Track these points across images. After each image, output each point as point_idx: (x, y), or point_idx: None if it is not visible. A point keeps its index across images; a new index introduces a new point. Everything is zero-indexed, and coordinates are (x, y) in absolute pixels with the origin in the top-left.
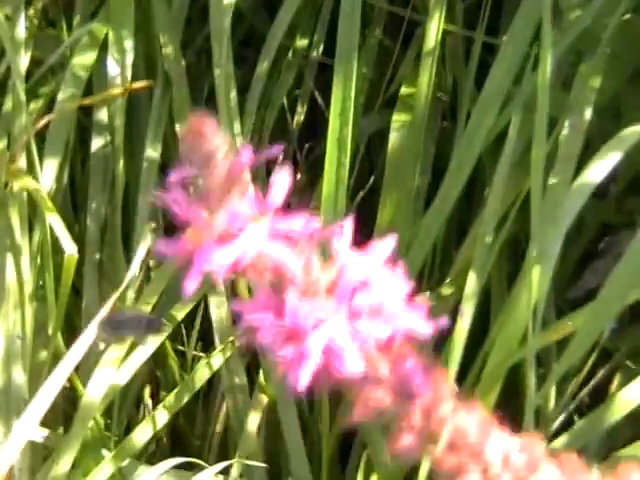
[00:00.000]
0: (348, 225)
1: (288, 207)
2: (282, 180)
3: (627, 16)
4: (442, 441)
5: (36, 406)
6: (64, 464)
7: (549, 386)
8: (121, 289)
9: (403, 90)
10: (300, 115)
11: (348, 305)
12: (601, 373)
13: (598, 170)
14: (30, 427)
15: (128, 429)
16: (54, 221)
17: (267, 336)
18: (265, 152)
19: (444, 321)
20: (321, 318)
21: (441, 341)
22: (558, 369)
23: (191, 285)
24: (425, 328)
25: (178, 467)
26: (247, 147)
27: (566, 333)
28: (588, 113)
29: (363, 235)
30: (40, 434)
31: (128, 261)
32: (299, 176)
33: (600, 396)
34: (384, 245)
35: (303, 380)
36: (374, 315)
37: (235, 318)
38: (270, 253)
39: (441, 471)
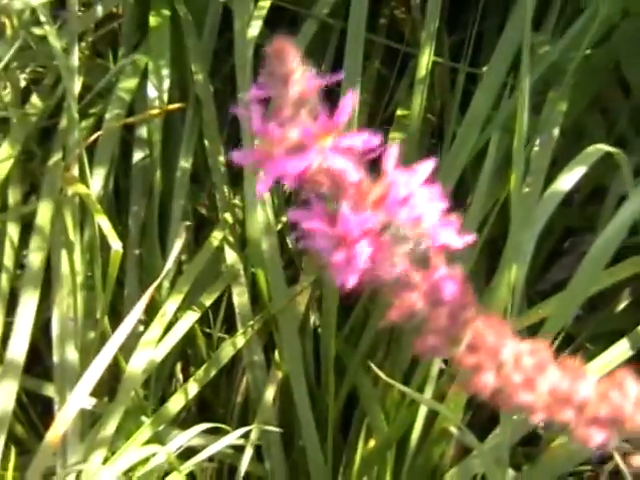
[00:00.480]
0: (396, 148)
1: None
2: (347, 102)
3: (588, 52)
4: (464, 343)
5: (88, 378)
6: (109, 429)
7: None
8: (158, 280)
9: (398, 112)
10: None
11: (393, 217)
12: (565, 354)
13: (565, 182)
14: (82, 396)
15: (163, 399)
16: (102, 221)
17: (320, 242)
18: (333, 76)
19: (473, 237)
20: (369, 228)
21: None
22: None
23: (263, 188)
24: (456, 241)
25: (205, 432)
26: (317, 73)
27: (537, 319)
28: (555, 133)
29: None
30: (89, 402)
31: (164, 256)
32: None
33: None
34: (425, 167)
35: (351, 281)
36: (414, 227)
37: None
38: (332, 166)
39: (461, 369)
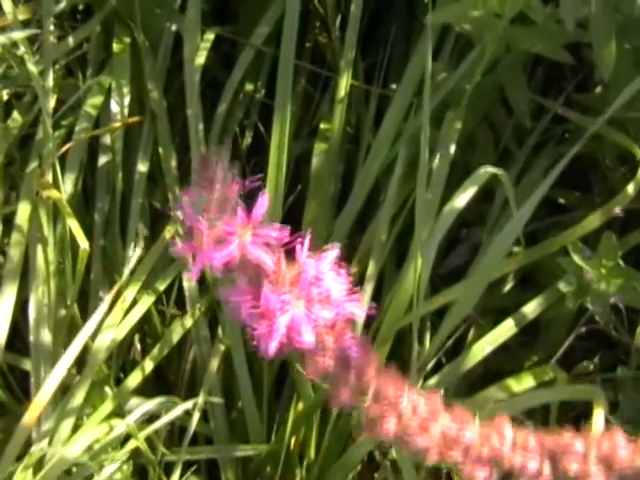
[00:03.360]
0: (307, 238)
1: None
2: (263, 202)
3: (478, 78)
4: (369, 395)
5: (65, 360)
6: (77, 399)
7: (435, 342)
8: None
9: (322, 126)
10: (247, 139)
11: (305, 294)
12: (462, 328)
13: (461, 199)
14: (59, 375)
15: (123, 366)
16: (72, 223)
17: (246, 315)
18: (249, 181)
19: (373, 309)
20: (286, 302)
21: None
22: (442, 330)
23: (195, 274)
24: (359, 312)
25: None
26: (237, 180)
27: (441, 304)
28: (452, 146)
29: (292, 228)
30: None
31: (124, 246)
32: (247, 182)
33: (459, 346)
34: (332, 252)
35: (271, 348)
36: (323, 302)
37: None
38: (251, 254)
39: (368, 417)
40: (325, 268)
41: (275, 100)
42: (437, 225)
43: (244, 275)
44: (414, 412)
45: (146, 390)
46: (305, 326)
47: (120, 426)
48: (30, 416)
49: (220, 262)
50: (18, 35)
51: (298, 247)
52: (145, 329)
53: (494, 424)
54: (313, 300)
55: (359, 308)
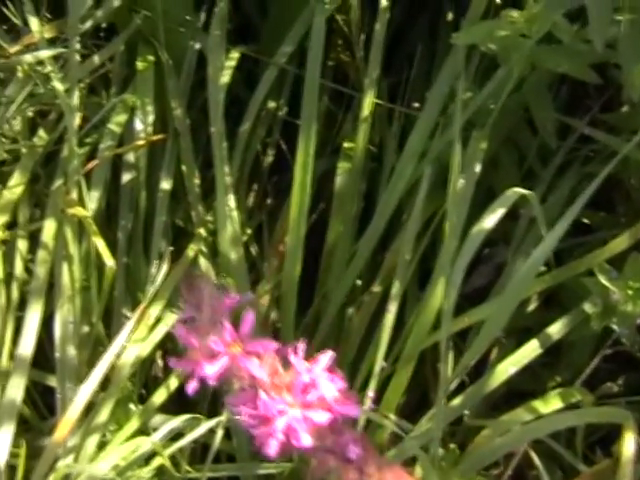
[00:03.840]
0: (301, 347)
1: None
2: (249, 318)
3: (504, 98)
4: None
5: (92, 379)
6: (102, 416)
7: (465, 362)
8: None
9: (345, 144)
10: (269, 157)
11: (301, 399)
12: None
13: (488, 221)
14: (87, 394)
15: (146, 383)
16: (97, 241)
17: (246, 420)
18: (238, 300)
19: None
20: (282, 408)
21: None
22: (471, 351)
23: (192, 388)
24: (355, 412)
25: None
26: (226, 298)
27: (466, 324)
28: (478, 166)
29: (315, 248)
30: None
31: (147, 263)
32: (269, 200)
33: (482, 366)
34: (325, 358)
35: (272, 450)
36: (320, 404)
37: None
38: (245, 366)
39: None
40: (319, 373)
41: (300, 119)
42: (465, 246)
43: (241, 383)
44: None
45: (169, 408)
46: (302, 429)
47: (145, 444)
48: (60, 433)
49: (214, 373)
50: (45, 54)
51: (292, 355)
52: (167, 346)
53: None
54: (309, 404)
55: (354, 408)
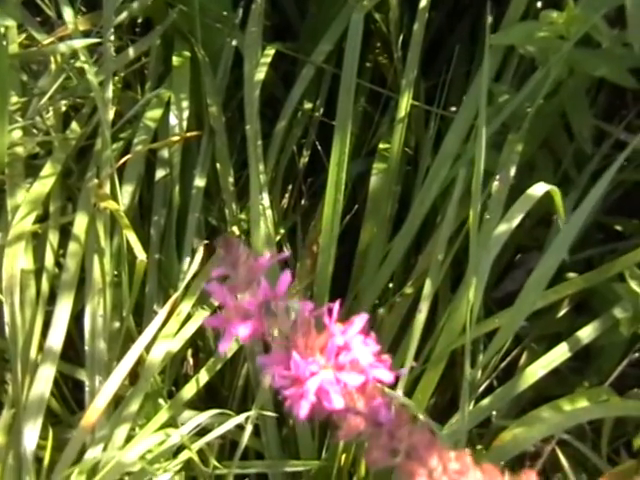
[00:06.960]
0: (335, 307)
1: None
2: (286, 278)
3: (541, 101)
4: (401, 454)
5: (119, 370)
6: (132, 409)
7: (482, 363)
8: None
9: (380, 146)
10: (305, 158)
11: (334, 360)
12: (514, 352)
13: (516, 214)
14: (114, 386)
15: (176, 380)
16: (129, 234)
17: (279, 381)
18: (275, 257)
19: (403, 371)
20: (315, 369)
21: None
22: (489, 353)
23: (224, 347)
24: (388, 377)
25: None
26: (263, 256)
27: (492, 328)
28: (513, 170)
29: (349, 246)
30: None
31: (180, 260)
32: (303, 202)
33: (512, 369)
34: (359, 320)
35: (303, 411)
36: (353, 367)
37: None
38: (280, 325)
39: (401, 474)
40: (353, 335)
41: (335, 119)
42: (489, 245)
43: (274, 343)
44: (445, 469)
45: (198, 404)
46: (334, 391)
47: (174, 437)
48: (87, 421)
49: (248, 333)
50: (79, 44)
51: (326, 317)
52: (198, 344)
53: (523, 478)
54: (341, 366)
55: (387, 373)
